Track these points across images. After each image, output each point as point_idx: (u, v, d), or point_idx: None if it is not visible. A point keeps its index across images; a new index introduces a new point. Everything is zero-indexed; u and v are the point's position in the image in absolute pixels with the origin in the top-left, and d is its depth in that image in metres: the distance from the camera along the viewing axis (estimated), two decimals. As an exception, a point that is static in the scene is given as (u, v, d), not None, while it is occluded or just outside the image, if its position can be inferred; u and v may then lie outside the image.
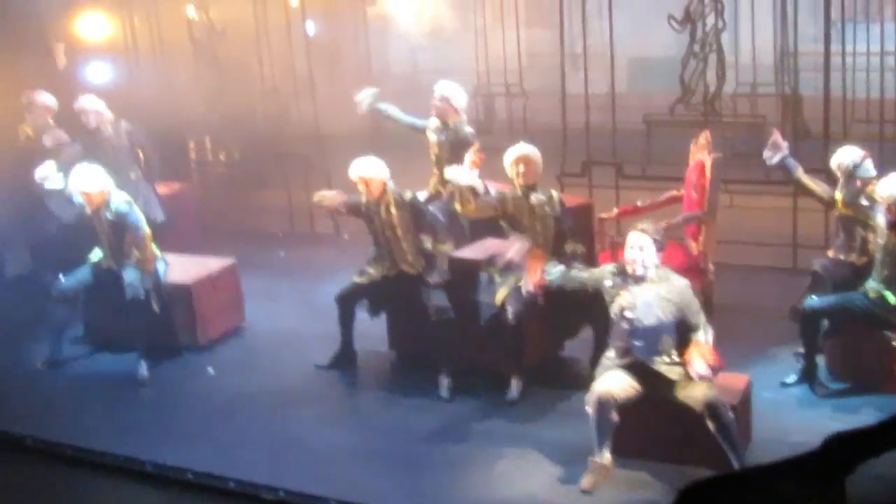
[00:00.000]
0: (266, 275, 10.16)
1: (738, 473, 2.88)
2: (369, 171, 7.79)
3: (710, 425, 6.00)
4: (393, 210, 7.83)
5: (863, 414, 6.86)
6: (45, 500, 6.82)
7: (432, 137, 9.00)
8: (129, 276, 8.14)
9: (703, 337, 6.18)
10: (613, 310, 6.34)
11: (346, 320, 8.09)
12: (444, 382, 7.62)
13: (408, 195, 7.85)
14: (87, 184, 8.11)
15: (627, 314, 6.24)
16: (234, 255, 9.42)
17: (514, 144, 7.83)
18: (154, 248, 8.39)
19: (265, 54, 11.84)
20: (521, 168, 7.62)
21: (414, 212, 7.85)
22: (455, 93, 8.94)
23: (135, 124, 10.22)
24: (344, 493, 6.35)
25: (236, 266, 9.21)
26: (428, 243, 7.91)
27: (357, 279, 8.06)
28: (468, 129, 8.91)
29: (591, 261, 7.93)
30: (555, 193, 7.80)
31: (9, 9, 11.88)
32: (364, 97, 9.15)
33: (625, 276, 6.35)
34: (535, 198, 7.65)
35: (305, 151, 11.72)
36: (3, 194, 9.94)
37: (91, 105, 9.98)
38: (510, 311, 7.34)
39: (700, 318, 6.26)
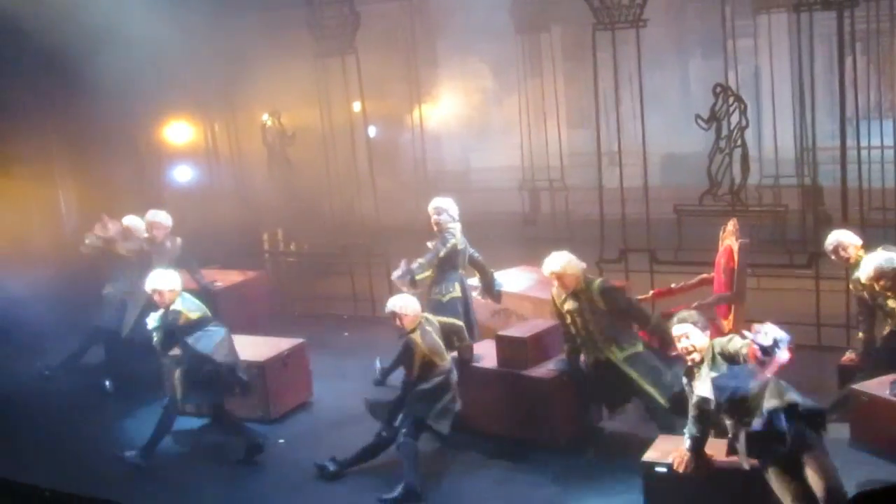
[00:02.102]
0: (332, 354, 10.20)
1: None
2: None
3: None
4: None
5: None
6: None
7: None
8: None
9: None
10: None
11: None
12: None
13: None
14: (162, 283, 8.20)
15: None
16: (303, 336, 9.46)
17: (551, 254, 7.60)
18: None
19: (331, 155, 12.04)
20: (556, 282, 7.55)
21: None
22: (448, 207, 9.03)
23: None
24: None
25: (305, 346, 9.26)
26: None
27: None
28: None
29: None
30: (596, 286, 7.50)
31: (104, 117, 12.24)
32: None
33: (690, 377, 6.17)
34: (570, 304, 7.50)
35: (367, 242, 11.83)
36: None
37: (163, 221, 10.17)
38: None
39: None
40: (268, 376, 8.79)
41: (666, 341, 7.05)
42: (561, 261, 7.52)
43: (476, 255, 9.18)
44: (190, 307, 8.14)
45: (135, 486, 7.73)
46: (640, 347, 7.42)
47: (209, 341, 8.07)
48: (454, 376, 7.68)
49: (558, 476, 7.34)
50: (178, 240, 10.24)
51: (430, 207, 9.09)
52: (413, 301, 7.75)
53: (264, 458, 8.10)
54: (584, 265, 7.63)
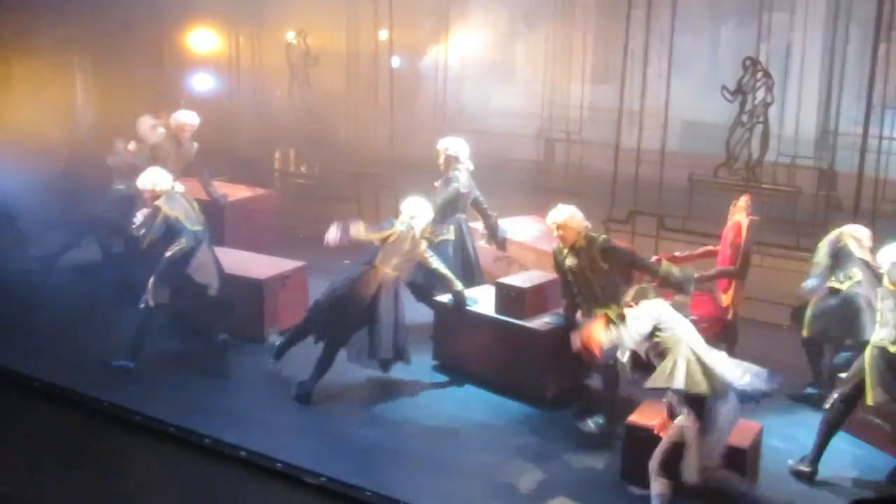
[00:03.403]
0: (331, 280, 10.19)
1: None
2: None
3: None
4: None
5: (861, 466, 6.80)
6: (113, 457, 6.94)
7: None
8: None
9: None
10: None
11: None
12: None
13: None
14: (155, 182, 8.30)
15: None
16: (304, 258, 9.46)
17: (556, 206, 7.52)
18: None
19: (352, 82, 11.95)
20: (558, 232, 7.45)
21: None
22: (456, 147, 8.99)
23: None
24: (378, 486, 6.38)
25: (306, 268, 9.27)
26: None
27: None
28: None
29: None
30: (598, 244, 7.35)
31: (129, 15, 12.13)
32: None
33: None
34: (570, 261, 7.43)
35: (378, 172, 11.80)
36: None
37: (191, 121, 10.12)
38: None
39: None
40: (266, 295, 8.83)
41: (680, 287, 7.15)
42: (565, 213, 7.44)
43: (480, 198, 9.12)
44: (173, 206, 8.23)
45: (126, 390, 7.79)
46: None
47: (187, 249, 8.21)
48: (383, 310, 7.77)
49: (539, 428, 7.41)
50: (195, 144, 10.21)
51: (440, 146, 9.05)
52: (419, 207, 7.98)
53: (253, 376, 8.18)
54: (587, 224, 7.52)
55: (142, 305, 8.14)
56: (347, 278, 7.94)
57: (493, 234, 9.20)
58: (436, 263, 8.05)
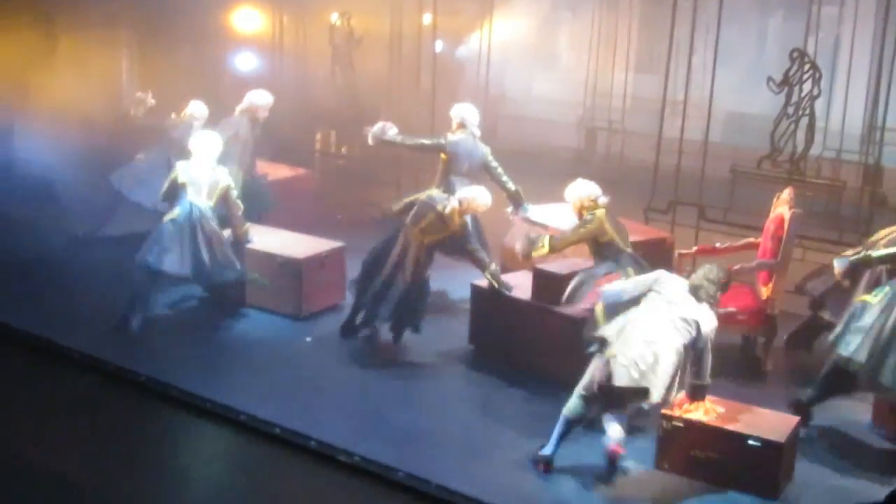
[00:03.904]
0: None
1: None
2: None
3: None
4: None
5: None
6: (150, 431, 7.01)
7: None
8: None
9: None
10: None
11: None
12: None
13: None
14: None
15: None
16: (342, 239, 9.46)
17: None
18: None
19: (395, 65, 11.94)
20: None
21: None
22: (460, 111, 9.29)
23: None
24: (411, 467, 6.40)
25: (344, 249, 9.29)
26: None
27: None
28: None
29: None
30: (594, 216, 7.76)
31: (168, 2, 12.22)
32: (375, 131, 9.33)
33: None
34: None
35: (418, 156, 11.79)
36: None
37: (268, 102, 10.13)
38: None
39: None
40: (304, 274, 8.87)
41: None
42: (571, 187, 7.95)
43: (497, 168, 9.26)
44: (185, 171, 8.38)
45: (163, 365, 7.86)
46: None
47: (180, 218, 8.29)
48: (398, 269, 8.04)
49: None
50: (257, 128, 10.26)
51: (451, 112, 9.33)
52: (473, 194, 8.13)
53: (288, 354, 8.23)
54: (595, 198, 7.83)
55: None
56: (384, 238, 8.25)
57: (516, 204, 9.35)
58: (471, 244, 8.11)
